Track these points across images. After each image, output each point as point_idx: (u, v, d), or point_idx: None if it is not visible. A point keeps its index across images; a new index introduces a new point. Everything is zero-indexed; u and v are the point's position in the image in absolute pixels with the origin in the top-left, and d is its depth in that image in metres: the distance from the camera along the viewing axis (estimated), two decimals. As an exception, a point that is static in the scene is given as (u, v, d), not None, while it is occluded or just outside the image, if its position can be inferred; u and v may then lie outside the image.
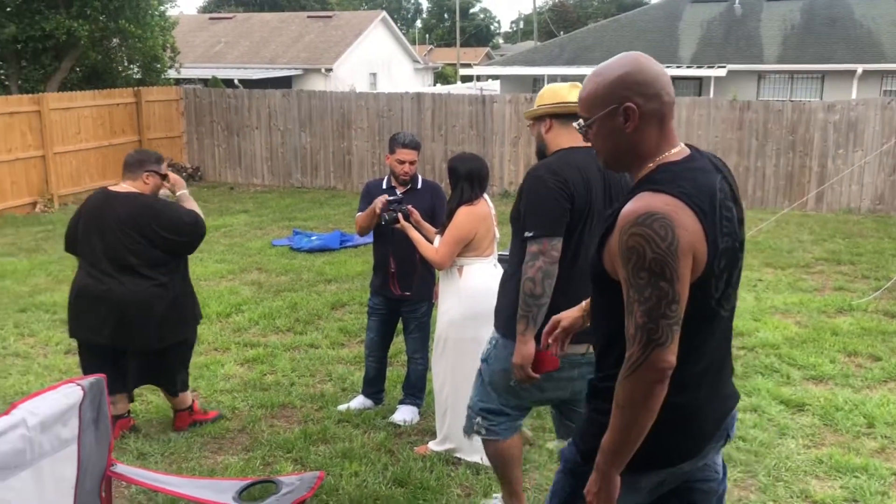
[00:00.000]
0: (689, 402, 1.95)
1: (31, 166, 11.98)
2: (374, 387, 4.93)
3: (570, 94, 3.13)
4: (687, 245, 1.78)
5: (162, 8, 16.21)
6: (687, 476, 2.07)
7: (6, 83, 14.54)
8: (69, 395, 2.40)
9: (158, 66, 16.00)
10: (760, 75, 20.47)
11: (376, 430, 4.57)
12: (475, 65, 32.39)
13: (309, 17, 29.15)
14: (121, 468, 2.64)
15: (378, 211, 4.38)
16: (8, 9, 13.96)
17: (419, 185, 4.66)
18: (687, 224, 1.79)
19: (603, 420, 1.94)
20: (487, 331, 3.62)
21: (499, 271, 4.00)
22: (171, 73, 16.82)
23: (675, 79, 21.35)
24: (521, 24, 73.28)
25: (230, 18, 29.87)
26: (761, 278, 8.11)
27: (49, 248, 9.51)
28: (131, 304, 4.15)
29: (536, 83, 22.06)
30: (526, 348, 2.84)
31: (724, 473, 2.19)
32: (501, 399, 3.23)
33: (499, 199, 13.22)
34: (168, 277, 4.24)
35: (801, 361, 5.67)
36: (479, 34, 64.71)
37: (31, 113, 11.92)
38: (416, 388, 4.81)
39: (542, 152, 3.21)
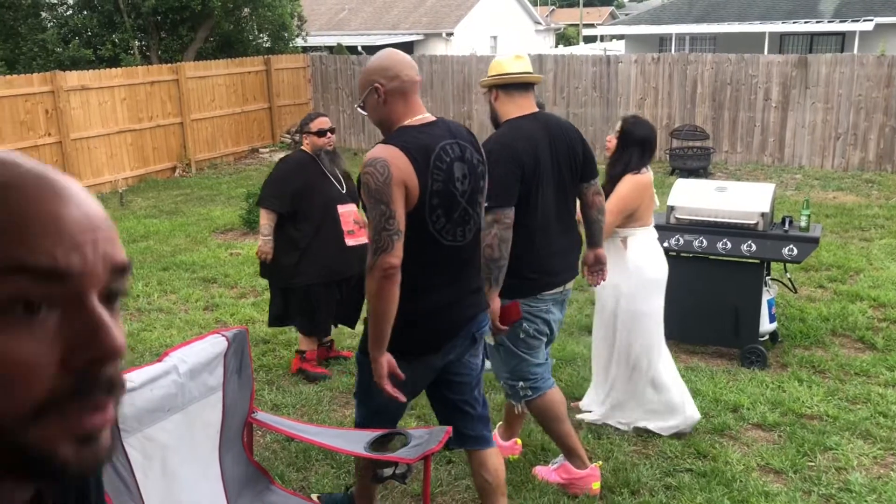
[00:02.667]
0: (424, 306, 2.60)
1: (170, 133, 12.67)
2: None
3: (511, 65, 3.33)
4: (398, 179, 2.45)
5: (290, -23, 16.62)
6: (441, 368, 2.75)
7: (147, 54, 15.37)
8: (215, 344, 2.55)
9: (286, 34, 16.46)
10: (912, 28, 18.94)
11: (497, 390, 4.61)
12: (599, 25, 31.56)
13: (430, -19, 29.13)
14: (261, 416, 2.80)
15: None
16: (149, -18, 14.71)
17: None
18: (400, 165, 2.46)
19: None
20: (659, 301, 3.96)
21: (655, 237, 4.12)
22: (299, 42, 17.27)
23: (814, 35, 20.13)
24: (647, -18, 70.63)
25: (354, -15, 30.25)
26: (907, 247, 7.59)
27: (187, 210, 10.07)
28: None
29: (663, 42, 21.30)
30: (494, 304, 3.15)
31: (482, 369, 2.89)
32: (526, 356, 3.45)
33: (622, 163, 12.93)
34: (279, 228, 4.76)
35: (951, 336, 5.30)
36: (603, -7, 62.78)
37: (171, 82, 12.57)
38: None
39: (495, 120, 3.42)
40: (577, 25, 42.61)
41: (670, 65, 12.76)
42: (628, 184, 3.91)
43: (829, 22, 19.14)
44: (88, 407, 0.61)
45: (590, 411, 4.33)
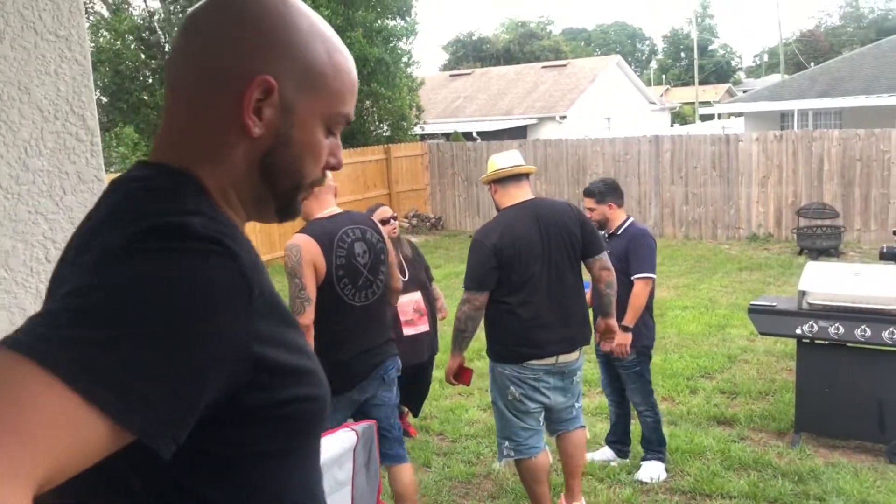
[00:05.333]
0: (339, 356, 3.26)
1: (296, 221, 13.26)
2: (614, 434, 4.87)
3: (502, 161, 3.88)
4: (308, 260, 3.21)
5: (409, 70, 17.39)
6: (362, 402, 3.46)
7: (277, 146, 16.33)
8: (345, 439, 2.61)
9: (405, 124, 17.14)
10: None
11: (622, 485, 4.47)
12: (715, 102, 31.19)
13: (543, 67, 29.74)
14: (386, 509, 2.82)
15: None
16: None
17: (619, 231, 4.54)
18: (309, 248, 3.23)
19: None
20: None
21: None
22: (417, 130, 17.93)
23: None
24: (766, 58, 69.45)
25: (469, 74, 31.28)
26: None
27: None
28: None
29: (784, 119, 20.78)
30: (453, 363, 3.87)
31: (395, 397, 3.62)
32: (515, 419, 3.79)
33: (746, 244, 12.53)
34: None
35: None
36: (719, 71, 62.16)
37: (298, 172, 13.26)
38: (652, 442, 4.63)
39: (498, 208, 3.92)
40: (693, 104, 42.26)
41: (794, 142, 12.42)
42: None
43: (966, 91, 18.17)
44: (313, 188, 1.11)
45: None
